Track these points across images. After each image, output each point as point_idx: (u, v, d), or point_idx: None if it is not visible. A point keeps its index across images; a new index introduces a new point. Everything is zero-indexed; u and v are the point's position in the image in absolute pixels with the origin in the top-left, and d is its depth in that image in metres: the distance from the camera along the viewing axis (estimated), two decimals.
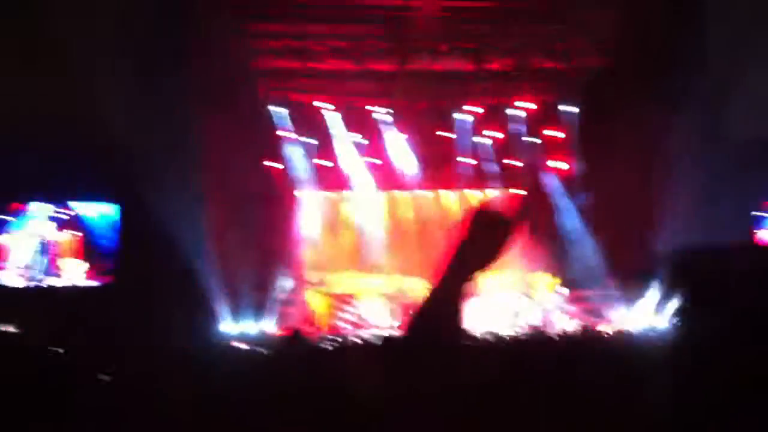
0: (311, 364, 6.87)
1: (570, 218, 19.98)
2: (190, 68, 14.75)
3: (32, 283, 16.37)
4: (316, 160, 20.64)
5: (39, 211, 16.78)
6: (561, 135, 20.60)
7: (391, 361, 2.84)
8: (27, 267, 16.51)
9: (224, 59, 16.32)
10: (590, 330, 15.09)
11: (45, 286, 16.42)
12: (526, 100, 20.43)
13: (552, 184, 21.22)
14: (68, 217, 16.76)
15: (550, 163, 21.12)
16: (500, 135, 20.84)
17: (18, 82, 13.56)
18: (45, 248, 16.65)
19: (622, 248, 17.06)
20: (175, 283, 13.92)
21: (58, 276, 16.52)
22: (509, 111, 20.73)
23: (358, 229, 20.93)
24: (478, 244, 1.88)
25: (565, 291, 19.30)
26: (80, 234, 16.72)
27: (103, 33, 13.74)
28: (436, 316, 1.87)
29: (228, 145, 16.55)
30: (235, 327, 16.26)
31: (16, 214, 16.64)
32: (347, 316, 19.32)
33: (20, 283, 16.39)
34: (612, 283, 18.29)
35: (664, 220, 15.68)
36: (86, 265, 16.53)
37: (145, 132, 14.21)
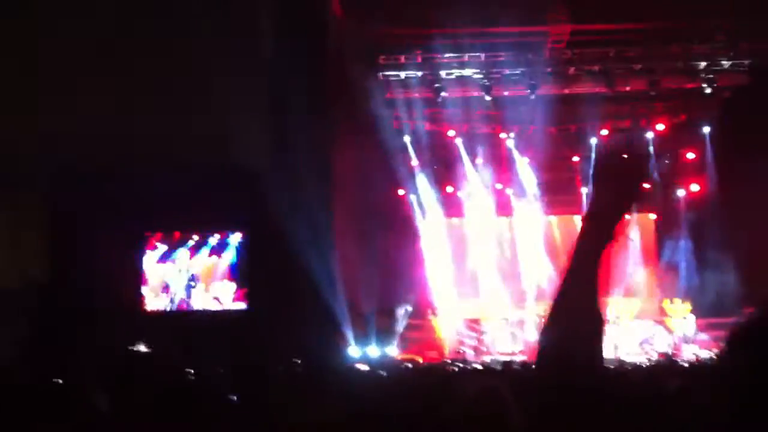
0: (429, 388, 7.09)
1: (704, 242, 19.25)
2: (327, 102, 15.31)
3: (179, 307, 17.36)
4: (445, 188, 20.93)
5: (184, 240, 17.79)
6: (693, 156, 19.98)
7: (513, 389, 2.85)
8: (176, 292, 17.54)
9: (359, 90, 16.90)
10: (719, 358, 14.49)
11: (191, 309, 17.37)
12: (659, 122, 19.94)
13: (686, 206, 20.59)
14: (211, 244, 17.70)
15: (684, 185, 20.52)
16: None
17: (167, 119, 14.58)
18: (193, 275, 17.64)
19: (759, 274, 16.30)
20: (305, 307, 14.43)
21: (204, 300, 17.48)
22: (643, 132, 20.29)
23: (479, 254, 20.96)
24: (612, 185, 1.71)
25: (697, 318, 18.53)
26: (222, 259, 17.62)
27: (249, 71, 14.54)
28: (577, 296, 1.70)
29: (360, 173, 17.12)
30: (361, 351, 16.58)
31: (165, 243, 17.74)
32: (471, 341, 19.36)
33: (168, 306, 17.44)
34: (748, 310, 17.48)
35: None
36: (232, 289, 17.39)
37: (282, 161, 14.91)
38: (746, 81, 17.85)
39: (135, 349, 13.80)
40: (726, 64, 17.60)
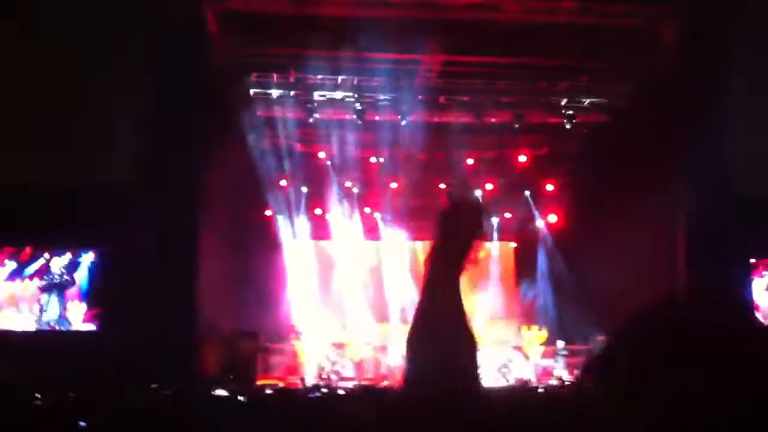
0: (292, 415, 6.91)
1: (560, 271, 20.06)
2: (197, 118, 14.92)
3: (43, 328, 16.43)
4: (314, 210, 20.85)
5: (42, 257, 16.86)
6: (552, 188, 20.82)
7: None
8: (39, 312, 16.57)
9: (225, 106, 16.57)
10: (575, 384, 15.01)
11: (52, 330, 16.46)
12: (522, 153, 20.63)
13: (544, 236, 21.42)
14: (66, 262, 16.83)
15: (543, 216, 21.35)
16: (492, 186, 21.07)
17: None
18: (56, 293, 16.72)
19: (611, 304, 17.08)
20: (162, 329, 13.89)
21: (68, 321, 16.58)
22: (506, 163, 20.95)
23: (346, 277, 20.97)
24: (456, 231, 1.89)
25: (558, 344, 19.20)
26: (75, 278, 16.78)
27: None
28: (439, 313, 1.77)
29: (229, 192, 16.74)
30: (220, 376, 16.10)
31: (29, 259, 16.76)
32: (334, 366, 19.23)
33: (31, 327, 16.46)
34: (600, 337, 18.30)
35: (657, 275, 15.75)
36: (82, 310, 16.58)
37: (149, 179, 14.42)
38: (604, 119, 18.76)
39: None
40: (586, 101, 18.42)
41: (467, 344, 1.76)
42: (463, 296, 1.80)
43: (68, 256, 16.73)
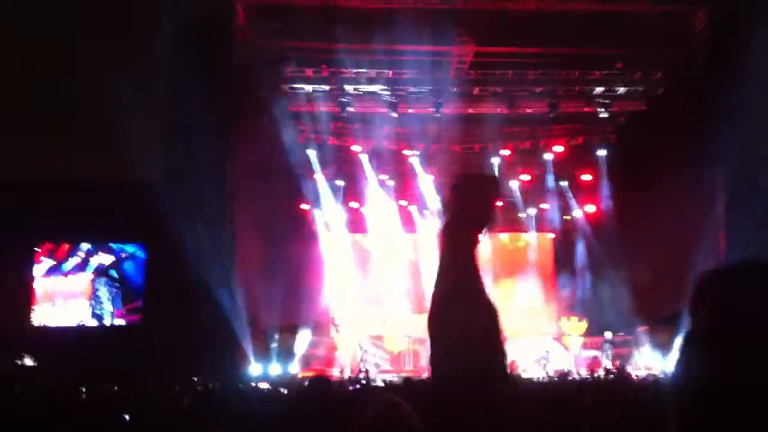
0: (330, 407, 6.98)
1: (599, 261, 19.88)
2: (231, 114, 15.05)
3: (78, 323, 16.72)
4: (349, 203, 20.94)
5: (84, 253, 17.16)
6: (590, 178, 20.64)
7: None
8: (92, 306, 16.89)
9: (259, 101, 16.67)
10: (616, 373, 14.89)
11: (83, 325, 16.74)
12: (557, 144, 20.50)
13: (582, 227, 21.25)
14: (105, 258, 17.13)
15: (580, 206, 21.19)
16: (528, 177, 21.00)
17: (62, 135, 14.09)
18: (105, 288, 17.04)
19: (652, 292, 16.91)
20: (204, 323, 14.08)
21: (101, 316, 16.87)
22: (541, 154, 20.86)
23: (383, 270, 20.99)
24: (470, 204, 1.80)
25: (606, 335, 19.02)
26: (114, 275, 17.07)
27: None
28: (457, 290, 1.69)
29: (264, 187, 16.85)
30: (261, 368, 16.27)
31: (67, 255, 17.07)
32: (373, 358, 19.33)
33: (65, 322, 16.76)
34: (643, 327, 18.14)
35: (697, 265, 15.54)
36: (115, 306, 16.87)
37: (183, 175, 14.58)
38: (640, 107, 18.54)
39: (21, 364, 13.20)
40: (621, 90, 18.22)
41: (488, 312, 1.70)
42: (478, 266, 1.72)
43: (110, 252, 17.01)
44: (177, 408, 7.25)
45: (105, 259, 17.10)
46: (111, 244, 17.03)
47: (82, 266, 17.05)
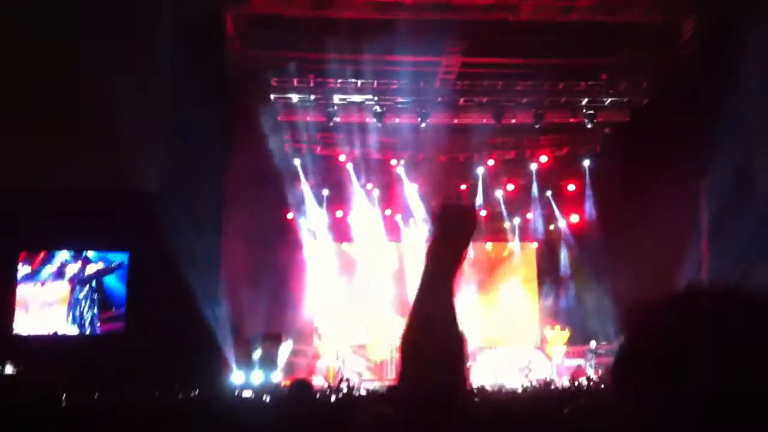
0: (312, 415, 7.00)
1: (582, 271, 20.01)
2: (220, 123, 15.05)
3: (52, 332, 16.61)
4: (335, 212, 21.00)
5: (62, 260, 17.10)
6: (574, 188, 20.80)
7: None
8: (73, 311, 16.80)
9: (245, 110, 16.71)
10: (599, 382, 14.96)
11: (62, 334, 16.65)
12: (543, 154, 20.63)
13: (566, 236, 21.39)
14: (86, 266, 17.07)
15: (565, 216, 21.33)
16: (513, 187, 21.13)
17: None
18: (75, 297, 16.96)
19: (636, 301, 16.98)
20: (188, 331, 14.06)
21: (81, 324, 16.80)
22: (526, 163, 21.01)
23: (367, 278, 21.03)
24: (449, 236, 1.90)
25: (591, 344, 19.12)
26: (93, 283, 17.01)
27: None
28: (431, 316, 1.81)
29: (251, 195, 16.88)
30: (244, 377, 16.24)
31: (42, 262, 17.00)
32: (356, 367, 19.41)
33: (40, 331, 16.67)
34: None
35: (680, 273, 15.67)
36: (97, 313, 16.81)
37: (174, 183, 14.57)
38: (625, 118, 18.71)
39: (2, 371, 13.13)
40: (607, 101, 18.38)
41: (457, 342, 1.82)
42: (454, 297, 1.84)
43: (89, 260, 16.97)
44: (159, 414, 7.24)
45: (84, 267, 17.04)
46: (91, 253, 16.96)
47: (59, 274, 16.96)
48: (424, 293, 1.84)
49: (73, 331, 16.67)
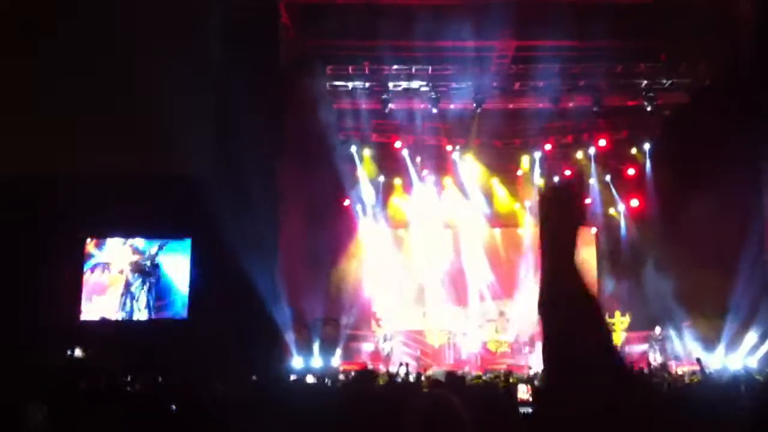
0: (377, 399, 7.07)
1: (642, 256, 19.67)
2: (275, 111, 15.21)
3: (118, 317, 17.06)
4: (391, 198, 21.05)
5: (120, 247, 17.54)
6: (633, 172, 20.45)
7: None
8: (115, 301, 17.24)
9: (306, 100, 16.84)
10: (663, 370, 14.78)
11: (126, 319, 17.09)
12: (601, 137, 20.30)
13: (626, 221, 21.06)
14: (148, 253, 17.48)
15: (624, 200, 20.99)
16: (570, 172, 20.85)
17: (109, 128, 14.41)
18: (129, 284, 17.40)
19: (697, 288, 16.69)
20: (248, 316, 14.29)
21: (138, 310, 17.23)
22: (584, 148, 20.72)
23: (425, 266, 21.02)
24: (561, 217, 1.92)
25: (655, 330, 18.86)
26: (156, 269, 17.41)
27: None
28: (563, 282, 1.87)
29: (306, 182, 17.05)
30: (303, 361, 16.44)
31: (97, 248, 17.47)
32: (414, 352, 19.50)
33: (108, 315, 17.13)
34: (688, 323, 17.92)
35: (741, 260, 15.35)
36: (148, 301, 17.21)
37: (227, 170, 14.79)
38: (686, 100, 18.28)
39: (73, 356, 13.57)
40: (666, 83, 18.01)
41: (598, 314, 1.87)
42: (581, 273, 1.90)
43: (152, 246, 17.37)
44: (218, 400, 7.42)
45: (139, 254, 17.45)
46: (147, 240, 17.36)
47: (114, 262, 17.42)
48: (549, 279, 1.90)
49: (136, 316, 17.10)
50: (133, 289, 17.29)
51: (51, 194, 15.48)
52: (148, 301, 17.17)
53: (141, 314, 17.12)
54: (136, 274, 17.31)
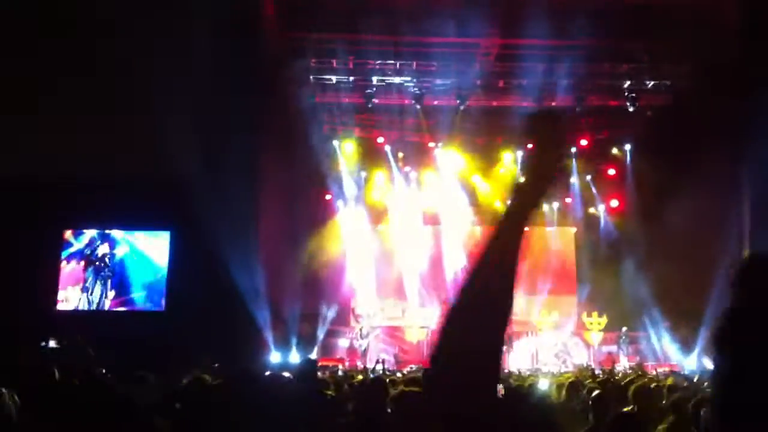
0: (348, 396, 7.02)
1: (621, 256, 19.75)
2: (256, 104, 15.10)
3: (90, 308, 16.93)
4: (373, 194, 20.98)
5: (92, 238, 17.42)
6: (613, 172, 20.54)
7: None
8: (85, 292, 17.11)
9: (284, 91, 16.74)
10: (638, 369, 14.83)
11: (101, 310, 16.98)
12: (583, 137, 20.34)
13: (606, 221, 21.15)
14: (123, 244, 17.37)
15: (605, 200, 21.09)
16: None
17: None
18: (102, 274, 17.27)
19: (676, 288, 16.80)
20: (226, 310, 14.22)
21: (111, 301, 17.12)
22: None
23: (406, 262, 20.99)
24: (543, 146, 1.73)
25: (622, 330, 19.00)
26: (132, 261, 17.32)
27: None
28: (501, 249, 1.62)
29: (287, 176, 16.95)
30: (280, 356, 16.34)
31: (68, 240, 17.35)
32: (393, 348, 19.49)
33: (80, 306, 17.01)
34: (665, 323, 18.06)
35: (721, 263, 15.43)
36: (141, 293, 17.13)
37: (208, 164, 14.68)
38: (668, 101, 18.36)
39: (48, 346, 13.42)
40: (649, 83, 18.09)
41: (503, 316, 1.65)
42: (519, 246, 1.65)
43: (115, 238, 17.32)
44: (195, 395, 7.31)
45: (102, 248, 17.37)
46: (119, 233, 17.28)
47: (80, 254, 17.35)
48: (498, 230, 1.66)
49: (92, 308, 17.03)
50: (92, 281, 17.18)
51: (35, 192, 15.43)
52: (102, 293, 17.06)
53: (105, 305, 17.02)
54: (94, 266, 17.22)
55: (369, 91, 18.03)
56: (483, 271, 1.63)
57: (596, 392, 5.49)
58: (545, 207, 21.25)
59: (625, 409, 4.90)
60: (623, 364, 17.59)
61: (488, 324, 1.63)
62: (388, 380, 6.78)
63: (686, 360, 17.09)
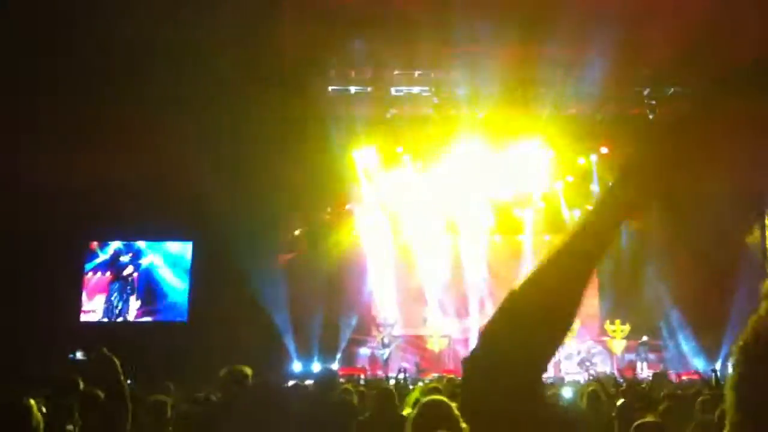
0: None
1: (643, 265, 19.61)
2: (276, 114, 15.17)
3: (114, 319, 17.05)
4: (393, 204, 20.95)
5: (117, 250, 17.57)
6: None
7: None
8: (110, 302, 17.24)
9: (308, 103, 16.80)
10: (661, 378, 14.71)
11: (126, 321, 17.09)
12: (603, 145, 20.23)
13: (627, 229, 20.98)
14: (147, 255, 17.50)
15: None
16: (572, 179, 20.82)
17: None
18: (127, 285, 17.41)
19: (700, 296, 16.67)
20: (248, 320, 14.28)
21: (136, 311, 17.23)
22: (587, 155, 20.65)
23: (426, 271, 20.95)
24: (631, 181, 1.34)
25: (643, 339, 18.86)
26: (156, 271, 17.43)
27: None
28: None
29: (308, 186, 17.00)
30: (302, 366, 16.35)
31: (94, 252, 17.48)
32: (415, 357, 19.44)
33: (104, 317, 17.13)
34: (688, 332, 17.91)
35: (744, 271, 15.32)
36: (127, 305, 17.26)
37: (225, 174, 14.77)
38: (687, 109, 18.21)
39: (76, 357, 13.54)
40: (669, 91, 17.98)
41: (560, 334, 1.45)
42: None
43: (139, 249, 17.42)
44: (216, 403, 7.35)
45: (126, 258, 17.50)
46: (142, 243, 17.40)
47: (105, 265, 17.49)
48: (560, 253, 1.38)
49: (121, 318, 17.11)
50: (116, 292, 17.31)
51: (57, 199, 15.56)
52: (127, 303, 17.18)
53: (129, 316, 17.13)
54: (121, 277, 17.35)
55: (387, 100, 18.03)
56: (557, 272, 1.40)
57: (621, 401, 5.49)
58: (566, 217, 21.10)
59: (650, 418, 4.88)
60: (644, 372, 17.47)
61: (550, 325, 1.43)
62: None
63: (710, 367, 16.92)
